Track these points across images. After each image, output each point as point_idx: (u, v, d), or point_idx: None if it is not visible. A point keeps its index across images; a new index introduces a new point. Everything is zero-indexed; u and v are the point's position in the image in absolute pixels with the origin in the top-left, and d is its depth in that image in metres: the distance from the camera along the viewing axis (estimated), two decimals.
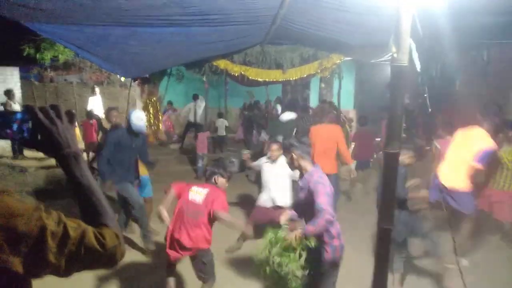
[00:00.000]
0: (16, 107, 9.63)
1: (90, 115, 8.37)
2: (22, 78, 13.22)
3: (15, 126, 1.00)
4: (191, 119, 10.95)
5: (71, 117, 1.10)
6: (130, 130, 4.52)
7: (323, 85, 11.31)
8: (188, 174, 8.74)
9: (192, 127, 10.77)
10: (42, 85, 13.22)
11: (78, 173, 1.06)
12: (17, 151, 9.19)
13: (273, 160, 4.75)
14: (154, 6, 2.78)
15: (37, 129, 1.02)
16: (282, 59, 8.01)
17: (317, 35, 3.98)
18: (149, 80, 10.65)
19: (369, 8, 2.68)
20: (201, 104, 10.75)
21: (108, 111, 5.88)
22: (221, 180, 3.41)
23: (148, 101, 11.18)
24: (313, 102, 12.59)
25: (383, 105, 8.29)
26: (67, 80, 13.97)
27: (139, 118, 4.50)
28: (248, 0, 2.85)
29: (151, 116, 11.04)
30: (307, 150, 3.14)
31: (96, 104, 10.47)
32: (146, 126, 9.85)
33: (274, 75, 8.25)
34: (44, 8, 2.56)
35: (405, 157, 3.69)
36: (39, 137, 1.02)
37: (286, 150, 3.21)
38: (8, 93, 9.46)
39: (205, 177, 3.58)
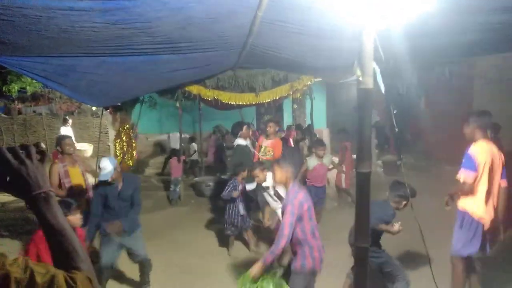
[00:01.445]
0: None
1: None
2: None
3: None
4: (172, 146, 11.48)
5: (42, 156, 1.06)
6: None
7: (295, 106, 11.48)
8: (162, 200, 8.63)
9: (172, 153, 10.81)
10: (9, 117, 12.86)
11: (49, 215, 1.02)
12: None
13: (260, 183, 4.69)
14: (122, 36, 2.77)
15: (5, 170, 0.98)
16: (254, 82, 8.11)
17: (285, 59, 4.07)
18: (121, 108, 10.53)
19: (331, 32, 2.77)
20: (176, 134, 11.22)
21: (60, 140, 5.07)
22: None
23: (121, 129, 11.01)
24: (287, 123, 12.84)
25: (340, 128, 8.47)
26: (36, 112, 13.65)
27: (102, 168, 4.11)
28: (216, 29, 2.90)
29: (124, 144, 10.87)
30: (293, 166, 3.21)
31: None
32: (119, 157, 9.66)
33: (247, 98, 8.32)
34: (7, 41, 2.52)
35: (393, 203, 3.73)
36: (7, 178, 0.99)
37: (277, 164, 3.30)
38: None
39: None
